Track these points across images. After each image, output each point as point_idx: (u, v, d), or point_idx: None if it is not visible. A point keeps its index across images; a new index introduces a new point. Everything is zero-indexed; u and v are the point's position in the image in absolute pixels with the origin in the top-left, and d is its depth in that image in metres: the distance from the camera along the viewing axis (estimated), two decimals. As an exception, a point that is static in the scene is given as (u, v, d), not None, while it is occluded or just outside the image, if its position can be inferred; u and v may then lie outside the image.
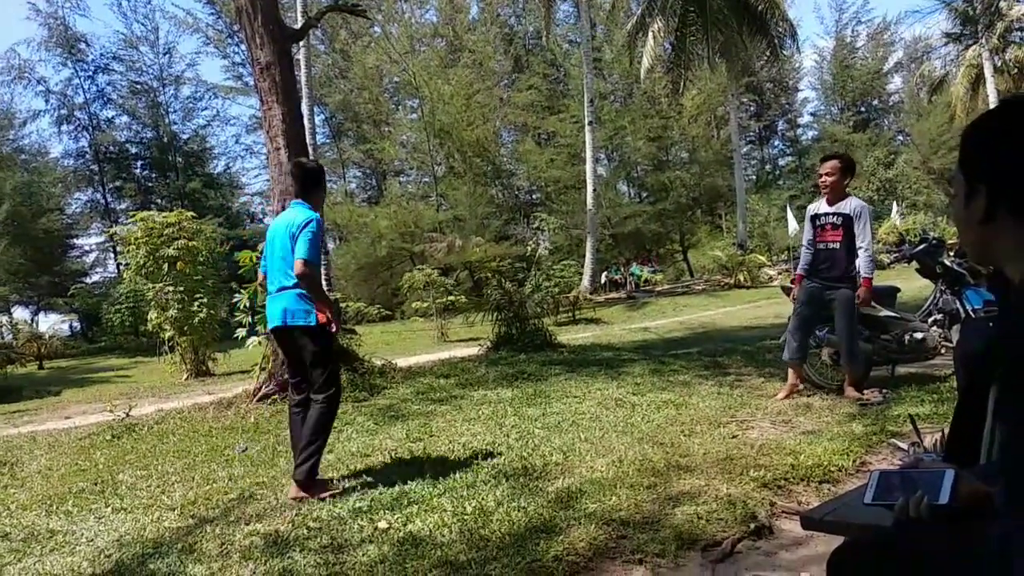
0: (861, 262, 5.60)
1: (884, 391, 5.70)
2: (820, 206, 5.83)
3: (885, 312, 6.18)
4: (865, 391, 5.68)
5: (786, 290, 6.43)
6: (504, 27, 39.84)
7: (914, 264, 6.58)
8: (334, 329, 4.26)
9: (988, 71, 31.13)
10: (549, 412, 5.94)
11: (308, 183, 4.43)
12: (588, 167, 24.98)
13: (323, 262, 13.22)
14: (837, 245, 5.67)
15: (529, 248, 20.07)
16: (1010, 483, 1.15)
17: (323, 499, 3.98)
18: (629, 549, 2.99)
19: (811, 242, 5.87)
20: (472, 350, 10.76)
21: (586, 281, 23.65)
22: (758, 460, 4.07)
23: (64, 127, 34.09)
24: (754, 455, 4.19)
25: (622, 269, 30.76)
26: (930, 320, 6.30)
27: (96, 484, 4.87)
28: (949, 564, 1.26)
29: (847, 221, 5.63)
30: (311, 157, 10.71)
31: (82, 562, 3.37)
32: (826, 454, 4.05)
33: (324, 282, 12.27)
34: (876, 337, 6.13)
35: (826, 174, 5.71)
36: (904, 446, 4.03)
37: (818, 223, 5.80)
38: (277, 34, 8.17)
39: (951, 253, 6.82)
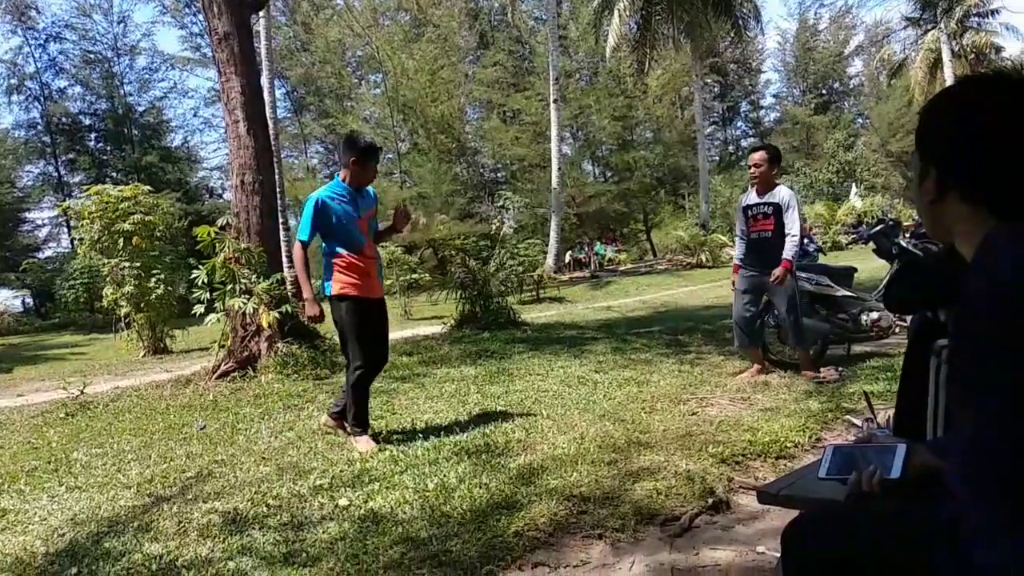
0: (786, 246, 5.67)
1: (840, 369, 5.82)
2: (750, 197, 5.94)
3: (842, 292, 6.30)
4: (821, 369, 5.79)
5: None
6: (469, 2, 39.39)
7: (871, 245, 6.70)
8: (306, 316, 4.66)
9: (946, 55, 31.72)
10: (512, 390, 5.96)
11: (339, 152, 4.73)
12: (553, 145, 24.94)
13: (284, 238, 13.03)
14: (769, 234, 5.78)
15: (494, 226, 20.05)
16: (961, 463, 1.18)
17: (361, 452, 4.30)
18: (589, 524, 3.02)
19: (744, 232, 5.98)
20: (435, 328, 10.72)
21: (550, 260, 23.70)
22: (717, 436, 4.13)
23: (14, 97, 33.05)
24: (713, 431, 4.26)
25: (586, 248, 30.89)
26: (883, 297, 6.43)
27: (49, 463, 4.77)
28: (900, 538, 1.28)
29: (776, 209, 5.73)
30: (271, 131, 10.55)
31: (35, 541, 3.30)
32: (783, 430, 4.12)
33: (285, 258, 12.14)
34: (833, 316, 6.25)
35: (755, 165, 5.82)
36: (858, 422, 4.13)
37: (750, 213, 5.90)
38: (235, 3, 7.98)
39: (907, 234, 6.96)
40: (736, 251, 6.19)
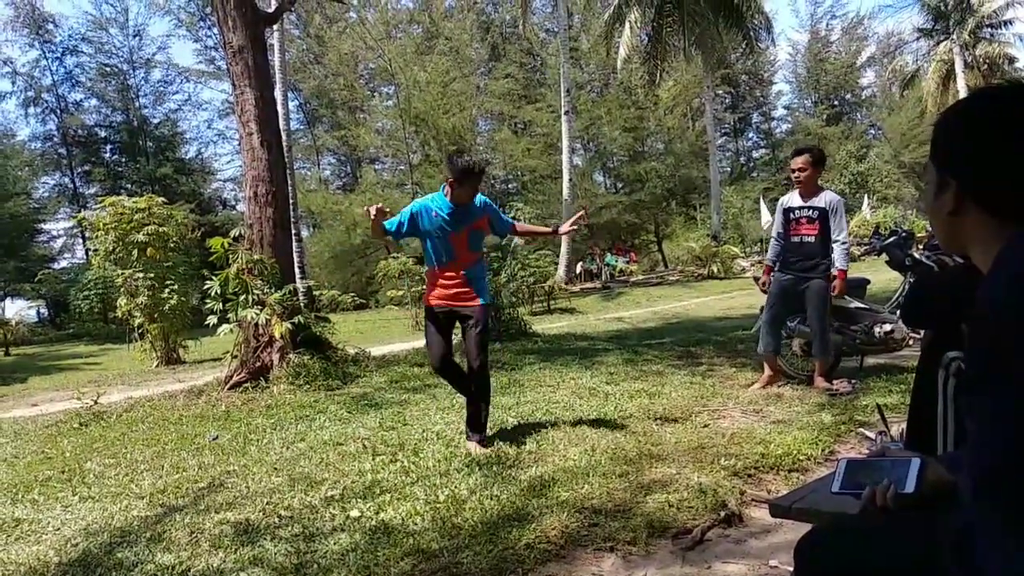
0: (837, 255, 5.64)
1: (853, 381, 5.77)
2: (793, 199, 5.86)
3: (855, 303, 6.26)
4: (834, 381, 5.75)
5: (758, 280, 6.49)
6: (481, 15, 39.63)
7: (884, 256, 6.66)
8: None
9: (959, 66, 31.64)
10: (523, 401, 5.95)
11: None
12: (564, 157, 24.97)
13: (297, 249, 13.08)
14: (812, 238, 5.71)
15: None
16: (975, 476, 1.17)
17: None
18: (601, 537, 3.01)
19: (781, 235, 5.91)
20: (446, 339, 10.72)
21: (561, 271, 23.69)
22: (729, 449, 4.11)
23: (31, 109, 33.53)
24: (725, 444, 4.23)
25: (597, 259, 30.85)
26: (899, 312, 6.39)
27: (63, 472, 4.80)
28: (913, 553, 1.27)
29: (822, 215, 5.67)
30: (284, 143, 10.61)
31: (48, 551, 3.32)
32: (795, 443, 4.09)
33: (298, 270, 12.20)
34: (846, 328, 6.22)
35: (799, 168, 5.71)
36: (872, 435, 4.09)
37: (792, 216, 5.83)
38: (250, 17, 8.06)
39: (920, 246, 6.92)
40: (770, 252, 6.12)
